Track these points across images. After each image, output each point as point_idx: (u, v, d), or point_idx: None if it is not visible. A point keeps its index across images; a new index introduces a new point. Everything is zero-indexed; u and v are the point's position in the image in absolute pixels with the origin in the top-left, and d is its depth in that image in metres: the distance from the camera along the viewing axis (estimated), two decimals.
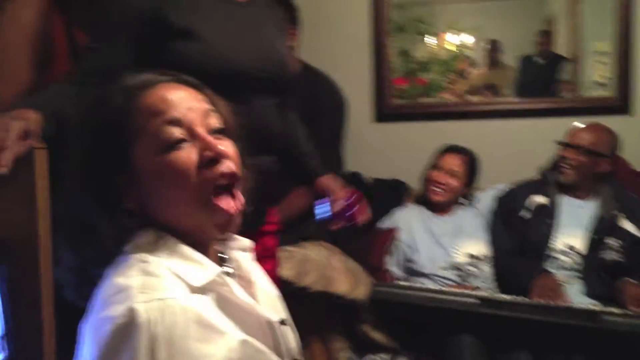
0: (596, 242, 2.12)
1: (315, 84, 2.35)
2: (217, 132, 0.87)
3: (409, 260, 2.29)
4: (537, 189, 2.29)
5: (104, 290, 0.80)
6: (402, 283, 2.15)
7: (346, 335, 2.05)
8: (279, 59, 1.44)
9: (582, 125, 2.28)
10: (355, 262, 2.14)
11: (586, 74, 2.69)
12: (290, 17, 2.31)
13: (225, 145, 0.86)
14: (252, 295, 0.93)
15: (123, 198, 0.84)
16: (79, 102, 1.21)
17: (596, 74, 2.67)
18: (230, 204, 0.85)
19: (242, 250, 0.98)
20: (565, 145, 2.24)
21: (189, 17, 1.32)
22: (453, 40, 2.85)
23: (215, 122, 0.88)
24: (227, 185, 0.85)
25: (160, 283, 0.78)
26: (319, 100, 2.29)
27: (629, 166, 2.40)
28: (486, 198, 2.42)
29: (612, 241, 2.12)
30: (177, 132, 0.83)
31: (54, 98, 1.25)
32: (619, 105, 2.57)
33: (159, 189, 0.83)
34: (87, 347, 0.77)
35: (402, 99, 2.80)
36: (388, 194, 2.55)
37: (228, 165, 0.85)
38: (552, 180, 2.28)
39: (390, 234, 2.33)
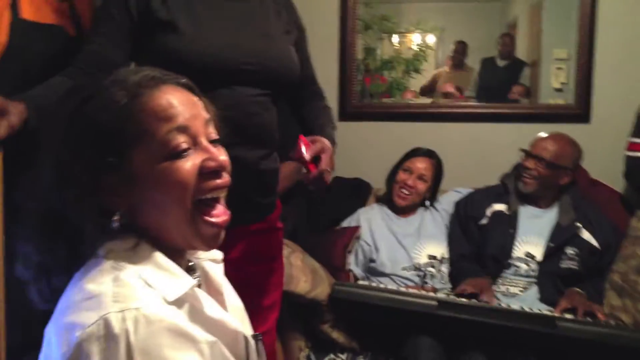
0: (554, 251, 2.16)
1: None
2: (214, 141, 0.86)
3: (370, 260, 2.29)
4: (498, 196, 2.32)
5: (72, 295, 0.78)
6: (362, 283, 2.15)
7: (306, 334, 2.04)
8: (272, 52, 1.41)
9: (545, 135, 2.29)
10: (316, 261, 2.13)
11: (545, 80, 2.74)
12: None
13: (224, 156, 0.86)
14: (223, 307, 0.92)
15: (109, 199, 0.81)
16: (70, 95, 1.19)
17: (555, 80, 2.72)
18: (221, 216, 0.85)
19: (213, 262, 0.96)
20: (528, 154, 2.25)
21: (173, 11, 1.32)
22: (417, 39, 2.86)
23: (213, 131, 0.87)
24: (217, 197, 0.85)
25: (133, 292, 0.76)
26: None
27: (587, 175, 2.45)
28: (447, 201, 2.44)
29: (569, 250, 2.16)
30: (183, 141, 0.81)
31: (49, 90, 1.24)
32: (579, 114, 2.62)
33: (154, 194, 0.81)
34: (53, 351, 0.75)
35: (365, 97, 2.80)
36: (351, 193, 2.55)
37: (226, 178, 0.85)
38: (512, 189, 2.31)
39: (352, 233, 2.32)
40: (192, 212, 0.82)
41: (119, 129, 0.79)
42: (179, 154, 0.81)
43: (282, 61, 1.43)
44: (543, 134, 2.30)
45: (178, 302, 0.79)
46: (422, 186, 2.36)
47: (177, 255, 0.86)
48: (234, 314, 0.94)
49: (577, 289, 2.10)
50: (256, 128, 1.39)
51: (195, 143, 0.83)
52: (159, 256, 0.82)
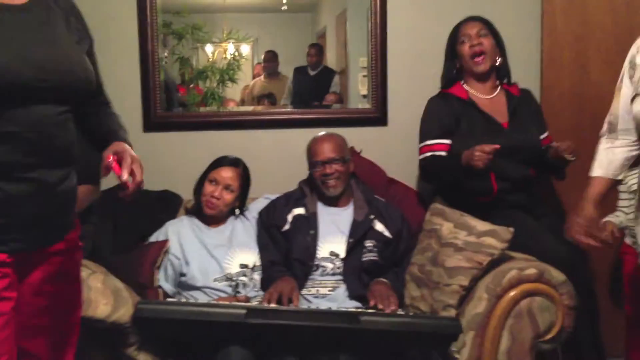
0: (354, 245, 2.25)
1: None
2: None
3: (180, 274, 2.22)
4: (296, 201, 2.37)
5: None
6: (168, 300, 2.08)
7: None
8: (68, 65, 1.33)
9: (317, 139, 2.39)
10: (121, 281, 2.01)
11: (353, 87, 2.87)
12: None
13: None
14: None
15: None
16: None
17: (361, 87, 2.85)
18: None
19: None
20: (321, 163, 2.31)
21: None
22: (231, 49, 2.86)
23: None
24: None
25: None
26: None
27: (384, 174, 2.59)
28: (258, 208, 2.44)
29: (368, 243, 2.26)
30: None
31: None
32: (378, 117, 2.78)
33: None
34: None
35: (180, 107, 2.75)
36: (159, 206, 2.46)
37: None
38: (309, 191, 2.38)
39: (160, 247, 2.23)
40: None
41: None
42: None
43: (79, 73, 1.36)
44: (320, 134, 2.42)
45: None
46: (229, 196, 2.33)
47: None
48: None
49: (382, 279, 2.20)
50: (58, 149, 1.31)
51: None
52: None
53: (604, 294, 2.69)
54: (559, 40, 2.76)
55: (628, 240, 2.25)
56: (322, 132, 2.48)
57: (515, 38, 2.48)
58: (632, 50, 1.85)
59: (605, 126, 1.95)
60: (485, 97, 2.43)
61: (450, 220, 2.23)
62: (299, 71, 2.90)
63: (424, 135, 2.42)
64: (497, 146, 2.14)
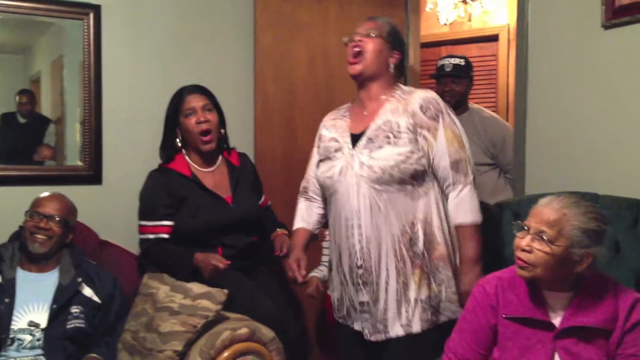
0: (57, 312, 2.11)
1: None
2: None
3: None
4: None
5: None
6: None
7: None
8: None
9: (47, 195, 2.27)
10: None
11: (71, 139, 2.71)
12: None
13: None
14: None
15: None
16: None
17: (79, 138, 2.70)
18: None
19: None
20: (40, 215, 2.17)
21: None
22: None
23: None
24: None
25: None
26: None
27: (97, 236, 2.48)
28: None
29: (74, 309, 2.14)
30: None
31: None
32: (92, 175, 2.66)
33: None
34: None
35: None
36: None
37: None
38: (8, 256, 2.18)
39: None
40: None
41: None
42: None
43: None
44: (44, 194, 2.27)
45: None
46: None
47: None
48: None
49: (94, 355, 2.08)
50: None
51: None
52: None
53: (316, 342, 2.90)
54: (270, 106, 2.97)
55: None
56: (31, 190, 2.30)
57: (231, 103, 2.58)
58: (321, 125, 2.16)
59: (301, 189, 2.21)
60: (208, 170, 2.43)
61: (166, 284, 2.21)
62: (7, 118, 2.64)
63: (145, 214, 2.34)
64: (229, 262, 2.19)
